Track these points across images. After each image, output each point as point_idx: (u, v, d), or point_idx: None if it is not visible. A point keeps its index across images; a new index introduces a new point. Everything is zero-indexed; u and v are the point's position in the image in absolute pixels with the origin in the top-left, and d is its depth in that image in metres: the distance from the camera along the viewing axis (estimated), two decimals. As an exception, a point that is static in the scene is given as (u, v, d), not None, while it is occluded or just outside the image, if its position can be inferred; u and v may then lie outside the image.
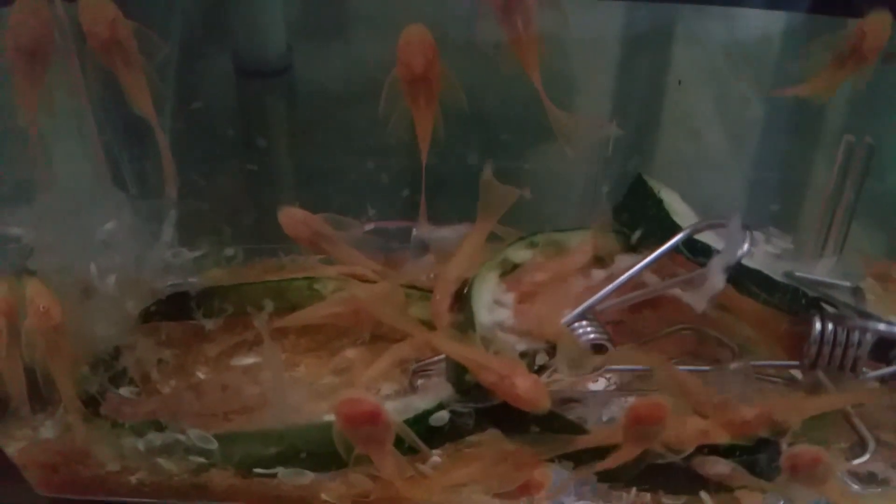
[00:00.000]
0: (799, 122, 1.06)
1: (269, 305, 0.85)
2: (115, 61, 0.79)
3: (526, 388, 0.75)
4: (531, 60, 0.81)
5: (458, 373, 0.81)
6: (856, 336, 0.82)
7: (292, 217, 0.92)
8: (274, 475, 0.76)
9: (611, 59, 1.14)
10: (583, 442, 0.77)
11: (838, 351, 0.83)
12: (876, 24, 0.83)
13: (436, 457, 0.80)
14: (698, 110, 1.11)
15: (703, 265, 0.85)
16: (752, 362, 0.89)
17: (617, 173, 1.00)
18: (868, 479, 0.84)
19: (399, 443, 0.75)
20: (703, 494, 0.80)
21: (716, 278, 0.82)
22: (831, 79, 0.86)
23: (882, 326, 0.81)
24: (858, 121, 1.05)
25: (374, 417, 0.70)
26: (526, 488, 0.79)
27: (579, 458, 0.80)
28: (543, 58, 0.81)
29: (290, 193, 1.14)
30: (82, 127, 0.90)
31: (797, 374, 0.89)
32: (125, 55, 0.79)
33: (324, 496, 0.76)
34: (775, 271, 0.88)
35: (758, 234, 0.95)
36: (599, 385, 0.92)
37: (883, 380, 0.85)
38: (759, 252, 0.93)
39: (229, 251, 0.96)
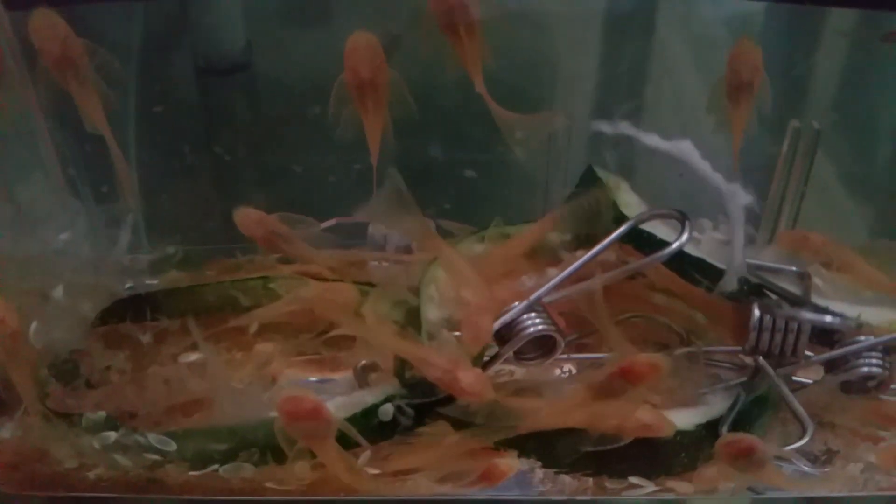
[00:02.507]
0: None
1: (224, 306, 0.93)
2: (68, 79, 0.85)
3: (469, 382, 0.82)
4: (475, 66, 0.88)
5: (404, 368, 0.87)
6: (794, 324, 0.89)
7: (247, 217, 0.99)
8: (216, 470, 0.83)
9: (593, 42, 1.19)
10: (524, 427, 0.84)
11: (778, 337, 0.89)
12: (740, 53, 0.91)
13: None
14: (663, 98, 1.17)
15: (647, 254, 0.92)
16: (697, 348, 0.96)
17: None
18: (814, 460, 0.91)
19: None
20: (638, 479, 0.87)
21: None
22: (740, 116, 0.93)
23: (812, 315, 0.87)
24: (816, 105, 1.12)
25: (314, 414, 0.78)
26: (487, 476, 0.87)
27: (524, 446, 0.88)
28: (486, 63, 0.88)
29: (251, 192, 1.20)
30: (37, 138, 0.97)
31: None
32: (78, 72, 0.85)
33: (269, 484, 0.84)
34: (722, 258, 0.95)
35: (706, 222, 1.02)
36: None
37: (826, 364, 0.92)
38: (707, 239, 1.00)
39: (170, 249, 1.04)
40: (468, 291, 0.88)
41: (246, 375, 0.92)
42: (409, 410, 0.87)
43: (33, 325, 0.82)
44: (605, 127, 0.89)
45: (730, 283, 0.92)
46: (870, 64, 1.13)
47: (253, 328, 0.97)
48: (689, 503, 0.92)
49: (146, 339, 0.96)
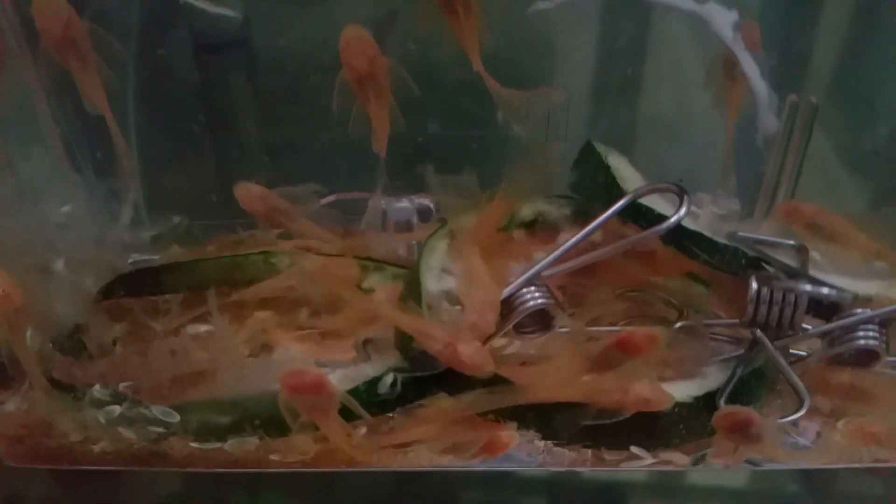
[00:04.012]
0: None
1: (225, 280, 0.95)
2: (70, 60, 0.87)
3: (469, 354, 0.84)
4: (472, 46, 0.89)
5: (405, 341, 0.89)
6: (792, 296, 0.90)
7: (248, 192, 1.00)
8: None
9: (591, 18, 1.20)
10: (524, 398, 0.86)
11: (775, 310, 0.91)
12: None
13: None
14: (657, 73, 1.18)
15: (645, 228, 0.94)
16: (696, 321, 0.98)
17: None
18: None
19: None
20: (637, 450, 0.89)
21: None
22: (737, 93, 0.95)
23: (809, 287, 0.89)
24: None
25: (317, 387, 0.80)
26: (489, 448, 0.89)
27: (524, 418, 0.90)
28: (484, 42, 0.89)
29: (251, 168, 1.22)
30: (37, 112, 0.98)
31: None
32: (79, 54, 0.87)
33: (273, 456, 0.86)
34: (720, 232, 0.96)
35: (705, 196, 1.04)
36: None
37: (823, 336, 0.94)
38: (705, 213, 1.01)
39: (175, 219, 1.06)
40: (480, 289, 0.89)
41: (241, 341, 0.94)
42: (398, 386, 0.89)
43: (29, 332, 0.84)
44: (545, 4, 0.90)
45: (769, 121, 0.94)
46: (870, 37, 1.14)
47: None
48: (688, 475, 0.95)
49: (149, 312, 0.98)
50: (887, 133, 1.19)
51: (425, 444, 0.88)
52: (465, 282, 0.91)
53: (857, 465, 0.90)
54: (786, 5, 1.14)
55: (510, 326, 0.91)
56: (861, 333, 0.90)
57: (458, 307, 0.90)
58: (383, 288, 0.99)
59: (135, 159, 1.02)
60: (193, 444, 0.86)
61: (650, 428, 0.88)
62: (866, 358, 0.91)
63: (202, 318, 0.98)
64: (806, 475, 0.96)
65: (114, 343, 0.95)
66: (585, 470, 0.90)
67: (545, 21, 1.15)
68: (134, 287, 0.99)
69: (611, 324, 1.00)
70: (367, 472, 0.87)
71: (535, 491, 0.97)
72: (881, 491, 0.98)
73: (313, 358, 0.93)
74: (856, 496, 0.99)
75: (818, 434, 0.91)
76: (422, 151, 1.08)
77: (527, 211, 1.02)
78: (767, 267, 0.93)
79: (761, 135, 0.97)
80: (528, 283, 0.91)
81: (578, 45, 1.16)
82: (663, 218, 0.92)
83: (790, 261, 0.94)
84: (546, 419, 0.88)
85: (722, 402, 0.88)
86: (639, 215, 0.95)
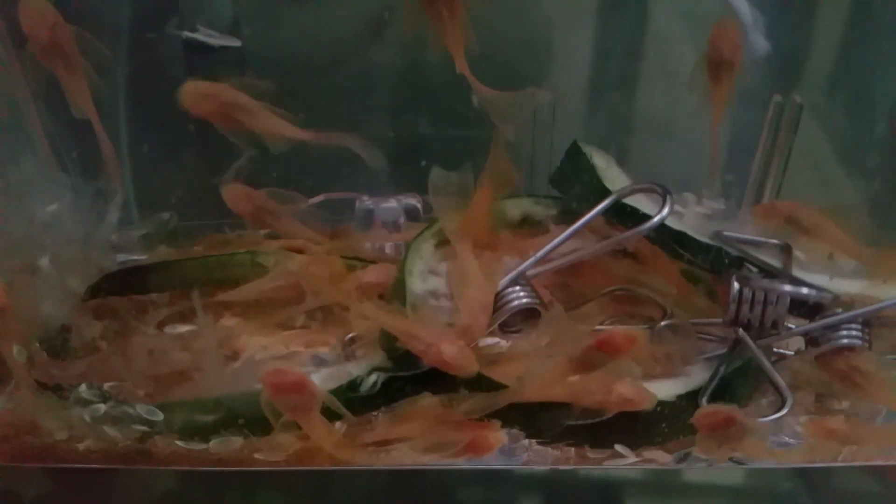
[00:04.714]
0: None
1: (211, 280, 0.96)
2: (56, 64, 0.88)
3: (452, 355, 0.84)
4: (457, 47, 0.89)
5: (389, 341, 0.89)
6: (773, 296, 0.91)
7: (235, 192, 1.00)
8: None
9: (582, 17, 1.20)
10: (508, 398, 0.86)
11: (757, 310, 0.91)
12: (721, 31, 0.93)
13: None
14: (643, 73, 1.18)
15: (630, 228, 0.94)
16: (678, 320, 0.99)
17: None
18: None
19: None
20: (621, 448, 0.89)
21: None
22: (721, 94, 0.95)
23: (789, 288, 0.90)
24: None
25: (299, 387, 0.80)
26: (474, 448, 0.90)
27: (507, 417, 0.90)
28: (469, 44, 0.89)
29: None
30: (24, 114, 0.99)
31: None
32: (66, 58, 0.88)
33: (257, 455, 0.86)
34: (705, 232, 0.97)
35: (689, 196, 1.04)
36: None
37: (806, 336, 0.94)
38: (690, 213, 1.02)
39: (165, 215, 1.07)
40: (474, 290, 0.90)
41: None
42: (378, 385, 0.89)
43: (16, 349, 0.85)
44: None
45: (758, 42, 0.95)
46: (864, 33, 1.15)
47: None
48: (686, 472, 0.95)
49: (136, 312, 0.99)
50: (883, 130, 1.20)
51: (409, 443, 0.88)
52: (457, 280, 0.92)
53: (841, 464, 0.91)
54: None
55: (495, 325, 0.92)
56: (844, 332, 0.90)
57: (443, 306, 0.91)
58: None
59: (124, 160, 1.03)
60: (178, 443, 0.86)
61: (634, 426, 0.88)
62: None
63: (188, 318, 0.99)
64: (804, 472, 0.96)
65: (93, 342, 0.96)
66: (569, 468, 0.90)
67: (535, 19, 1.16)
68: (121, 286, 1.00)
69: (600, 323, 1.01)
70: (363, 469, 0.88)
71: (533, 488, 0.98)
72: (878, 488, 0.98)
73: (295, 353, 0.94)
74: (853, 492, 1.00)
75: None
76: (407, 151, 1.09)
77: (514, 211, 1.03)
78: (750, 266, 0.94)
79: (752, 57, 0.98)
80: (512, 282, 0.93)
81: (566, 44, 1.16)
82: (647, 218, 0.93)
83: (774, 260, 0.95)
84: (529, 418, 0.89)
85: (704, 400, 0.89)
86: (624, 215, 0.95)
